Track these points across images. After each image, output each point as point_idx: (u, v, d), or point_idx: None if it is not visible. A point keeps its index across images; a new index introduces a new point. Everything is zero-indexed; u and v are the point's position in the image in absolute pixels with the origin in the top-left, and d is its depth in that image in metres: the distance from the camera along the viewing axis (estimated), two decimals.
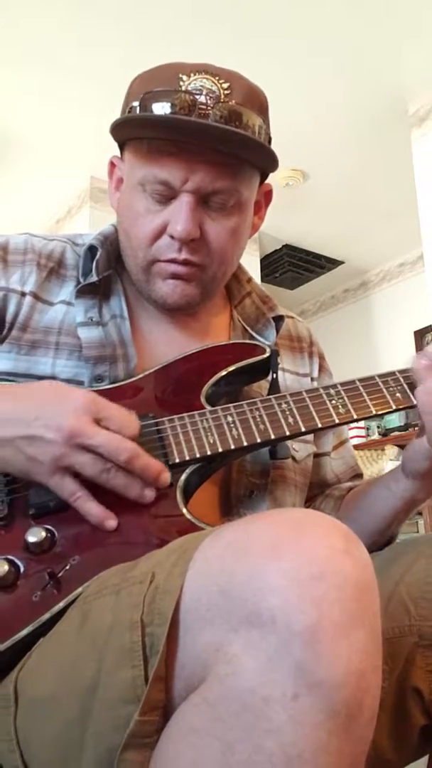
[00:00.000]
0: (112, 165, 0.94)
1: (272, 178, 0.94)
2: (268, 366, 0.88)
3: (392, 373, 0.83)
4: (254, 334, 0.98)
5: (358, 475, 1.08)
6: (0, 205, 4.38)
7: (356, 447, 4.45)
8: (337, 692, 0.46)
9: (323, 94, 3.50)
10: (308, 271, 5.38)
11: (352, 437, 4.55)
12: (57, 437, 0.68)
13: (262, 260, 5.02)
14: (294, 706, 0.46)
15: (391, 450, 4.04)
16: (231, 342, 0.95)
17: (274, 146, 0.88)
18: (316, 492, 1.02)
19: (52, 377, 0.85)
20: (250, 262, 4.64)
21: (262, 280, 5.14)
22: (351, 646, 0.47)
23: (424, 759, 0.80)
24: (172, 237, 0.84)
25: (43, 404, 0.70)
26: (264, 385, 0.91)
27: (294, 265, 5.23)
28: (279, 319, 0.98)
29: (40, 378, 0.84)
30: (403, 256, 5.21)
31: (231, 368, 0.86)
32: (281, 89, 3.39)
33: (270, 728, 0.46)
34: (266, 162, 0.87)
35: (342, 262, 5.31)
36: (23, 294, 0.88)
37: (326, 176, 4.16)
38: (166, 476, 0.71)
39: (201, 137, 0.80)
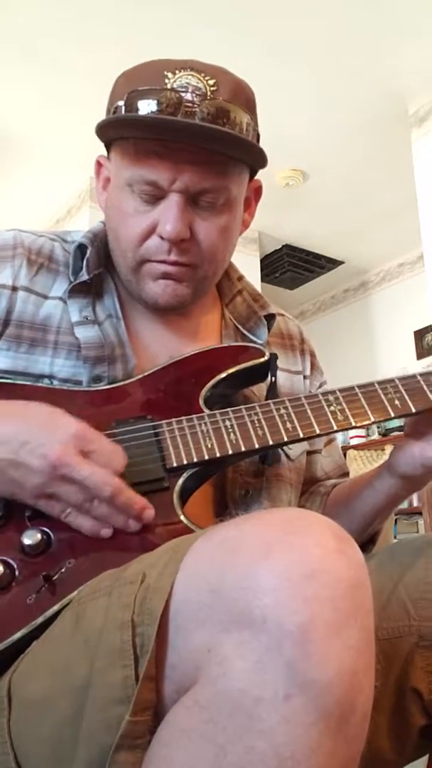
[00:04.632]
0: (99, 165, 0.93)
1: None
2: (268, 369, 0.87)
3: (391, 380, 0.83)
4: (246, 333, 0.97)
5: (345, 474, 1.07)
6: (0, 205, 4.38)
7: (356, 447, 4.45)
8: (329, 692, 0.46)
9: (323, 94, 3.50)
10: (308, 271, 5.39)
11: (352, 437, 4.56)
12: (42, 466, 0.67)
13: (262, 260, 5.02)
14: (286, 707, 0.46)
15: (391, 450, 4.05)
16: (230, 344, 0.94)
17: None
18: (303, 489, 1.02)
19: (51, 376, 0.84)
20: (250, 262, 4.64)
21: (262, 280, 5.14)
22: (343, 645, 0.47)
23: (424, 759, 0.80)
24: (161, 237, 0.83)
25: (33, 429, 0.69)
26: (261, 387, 0.90)
27: (294, 265, 5.24)
28: (270, 318, 0.98)
29: (39, 376, 0.84)
30: (403, 256, 5.21)
31: (231, 370, 0.85)
32: (281, 89, 3.40)
33: (262, 729, 0.46)
34: (254, 159, 0.86)
35: (342, 262, 5.31)
36: (15, 288, 0.87)
37: (326, 176, 4.16)
38: (150, 513, 0.69)
39: (187, 136, 0.79)
